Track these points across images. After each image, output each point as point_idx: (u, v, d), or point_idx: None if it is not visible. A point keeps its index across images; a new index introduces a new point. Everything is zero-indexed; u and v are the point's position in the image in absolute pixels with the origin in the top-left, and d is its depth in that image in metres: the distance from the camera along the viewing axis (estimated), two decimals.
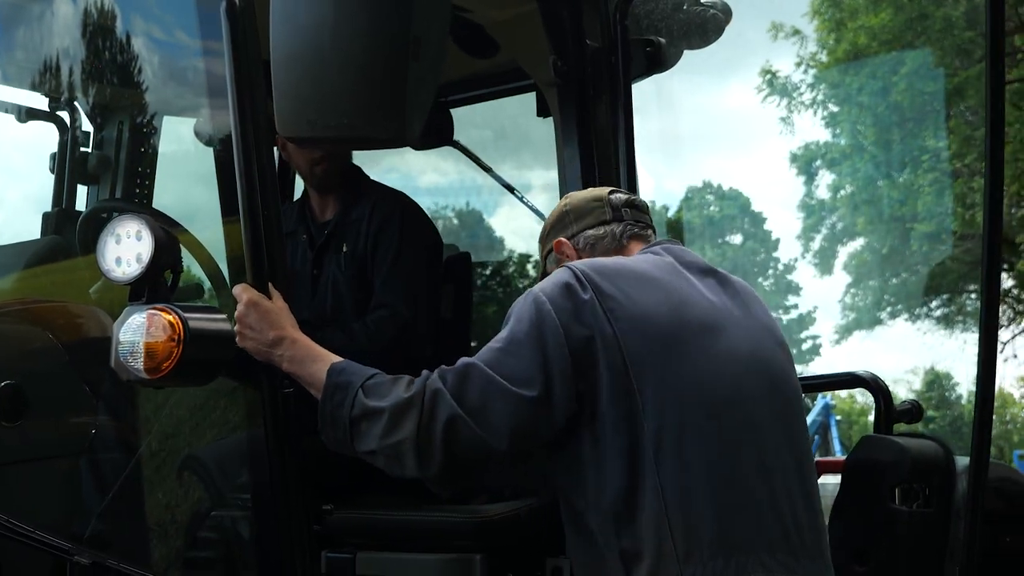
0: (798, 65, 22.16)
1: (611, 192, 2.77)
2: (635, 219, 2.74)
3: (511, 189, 4.28)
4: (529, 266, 26.31)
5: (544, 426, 2.36)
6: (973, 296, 42.02)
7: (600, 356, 2.32)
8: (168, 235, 2.30)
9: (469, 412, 2.32)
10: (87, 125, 4.23)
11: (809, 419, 19.56)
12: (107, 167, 4.21)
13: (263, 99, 2.42)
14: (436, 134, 4.26)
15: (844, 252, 31.64)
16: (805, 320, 40.80)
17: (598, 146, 3.41)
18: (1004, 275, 33.10)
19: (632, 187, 3.37)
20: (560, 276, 2.43)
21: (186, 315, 2.24)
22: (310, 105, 2.13)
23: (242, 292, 2.46)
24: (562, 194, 3.52)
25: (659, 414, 2.30)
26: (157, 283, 2.31)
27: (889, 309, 41.06)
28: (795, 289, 36.51)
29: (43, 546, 2.58)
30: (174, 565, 2.84)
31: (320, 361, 2.46)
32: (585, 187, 3.39)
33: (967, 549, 2.94)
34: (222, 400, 2.90)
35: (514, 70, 4.01)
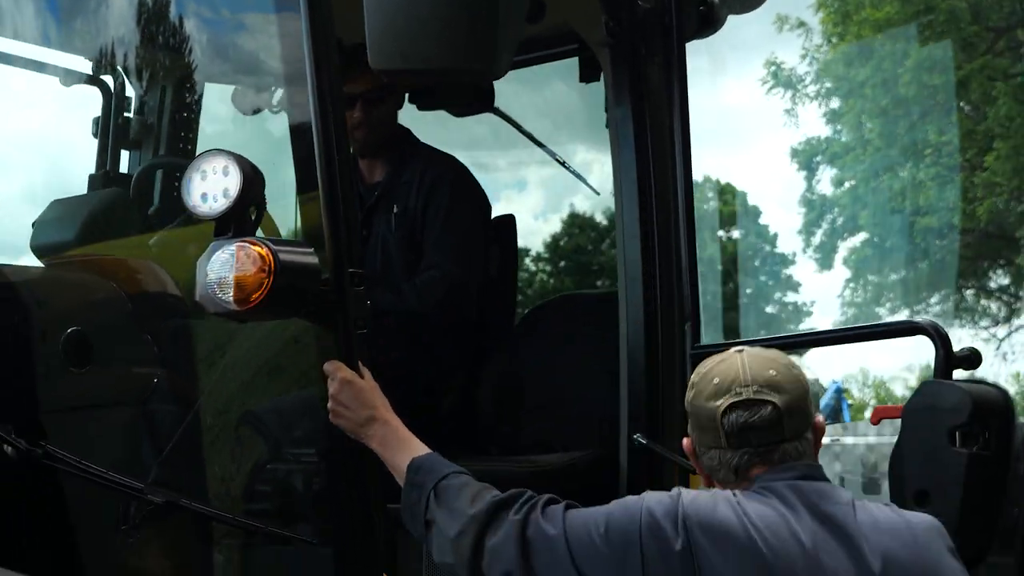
0: (803, 57, 22.22)
1: (728, 408, 2.26)
2: (757, 443, 2.26)
3: (552, 155, 4.31)
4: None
5: None
6: (972, 292, 42.11)
7: None
8: (255, 170, 2.34)
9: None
10: (130, 90, 4.25)
11: (822, 403, 19.55)
12: (150, 133, 4.23)
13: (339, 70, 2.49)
14: (476, 101, 4.28)
15: (844, 247, 31.69)
16: (802, 314, 40.85)
17: (651, 107, 3.43)
18: (1000, 271, 33.25)
19: (686, 149, 3.40)
20: (665, 504, 2.21)
21: (276, 248, 2.27)
22: (403, 38, 2.17)
23: (335, 370, 2.51)
24: (613, 160, 3.56)
25: None
26: (243, 218, 2.34)
27: (888, 305, 41.16)
28: (794, 285, 36.50)
29: (116, 485, 2.61)
30: (239, 514, 2.87)
31: (405, 450, 2.50)
32: (638, 147, 3.41)
33: None
34: (288, 352, 2.94)
35: (557, 35, 4.03)
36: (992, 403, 3.02)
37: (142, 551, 2.81)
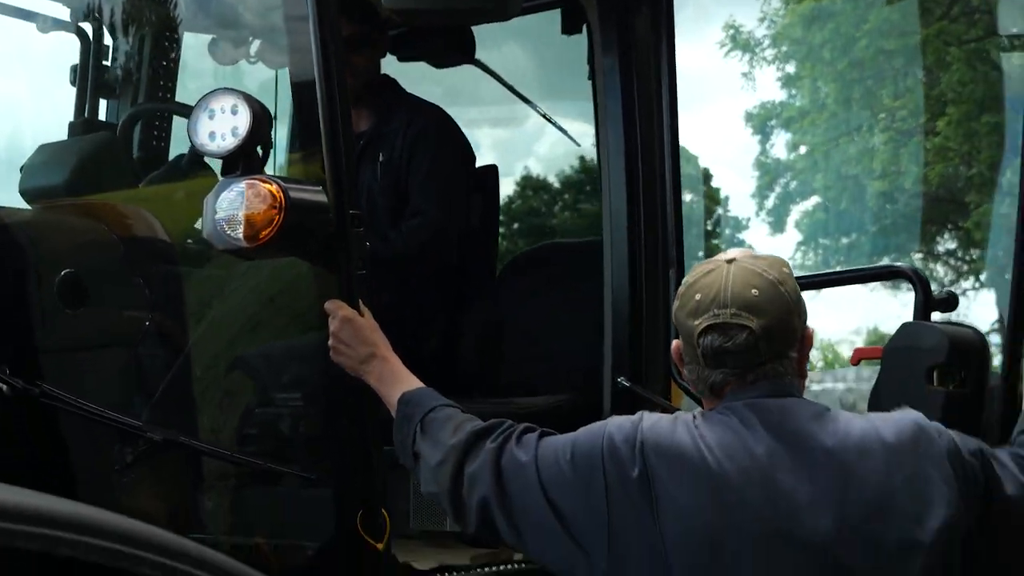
0: (761, 20, 22.28)
1: (705, 330, 2.20)
2: (733, 365, 2.22)
3: (533, 106, 4.34)
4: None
5: (576, 568, 2.24)
6: (920, 256, 42.45)
7: (641, 548, 2.14)
8: (264, 109, 2.37)
9: (504, 505, 2.28)
10: (109, 38, 4.24)
11: None
12: (128, 81, 4.22)
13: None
14: (457, 52, 4.30)
15: (797, 211, 31.90)
16: None
17: (638, 57, 3.47)
18: (949, 235, 33.60)
19: (672, 100, 3.44)
20: (625, 430, 2.23)
21: (286, 185, 2.30)
22: None
23: (337, 309, 2.53)
24: (598, 111, 3.60)
25: None
26: (252, 156, 2.37)
27: (838, 268, 41.53)
28: (746, 248, 36.71)
29: (115, 424, 2.64)
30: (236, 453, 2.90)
31: (400, 386, 2.53)
32: (624, 97, 3.44)
33: (1001, 428, 3.09)
34: (284, 294, 2.97)
35: None
36: (969, 344, 3.12)
37: (137, 491, 2.84)
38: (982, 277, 28.67)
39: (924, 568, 2.09)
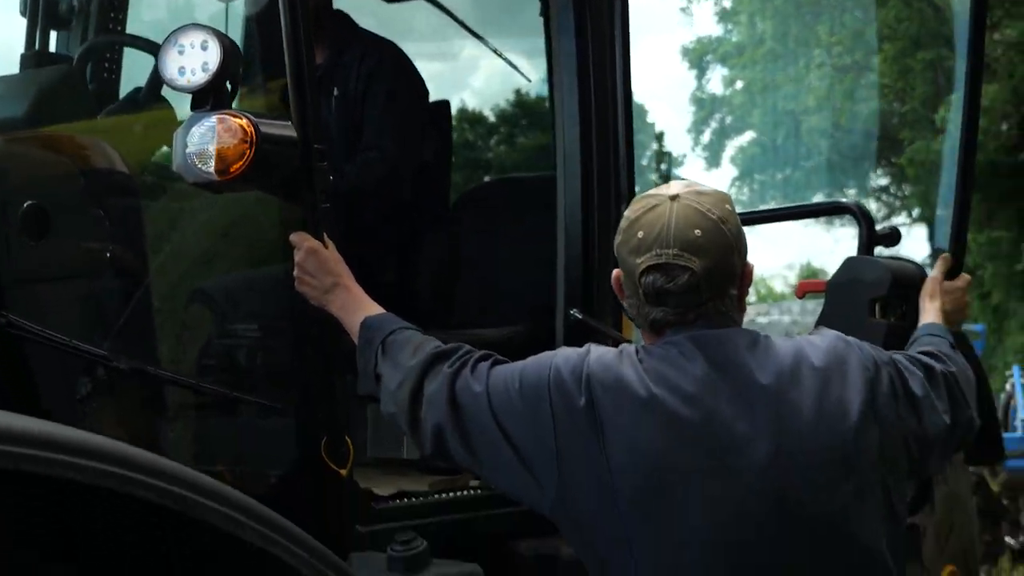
0: None
1: (647, 270, 2.22)
2: (674, 305, 2.24)
3: (485, 42, 4.38)
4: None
5: (529, 494, 2.33)
6: (853, 191, 42.80)
7: (588, 476, 2.20)
8: (233, 45, 2.40)
9: (459, 431, 2.34)
10: None
11: None
12: (79, 13, 4.19)
13: None
14: None
15: (732, 146, 32.12)
16: None
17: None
18: (882, 171, 33.91)
19: (625, 34, 3.49)
20: (572, 362, 2.27)
21: (256, 120, 2.35)
22: None
23: (302, 240, 2.59)
24: (551, 45, 3.64)
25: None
26: (221, 91, 2.40)
27: (773, 203, 41.93)
28: (688, 181, 36.91)
29: (81, 353, 2.68)
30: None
31: (362, 312, 2.59)
32: (578, 32, 3.47)
33: None
34: (245, 227, 3.01)
35: None
36: (910, 277, 3.23)
37: (102, 420, 2.88)
38: (914, 213, 29.03)
39: (857, 488, 2.16)
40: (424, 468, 3.35)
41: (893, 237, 3.41)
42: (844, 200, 3.55)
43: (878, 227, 3.50)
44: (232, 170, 2.34)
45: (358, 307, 2.60)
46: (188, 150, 2.36)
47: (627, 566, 2.17)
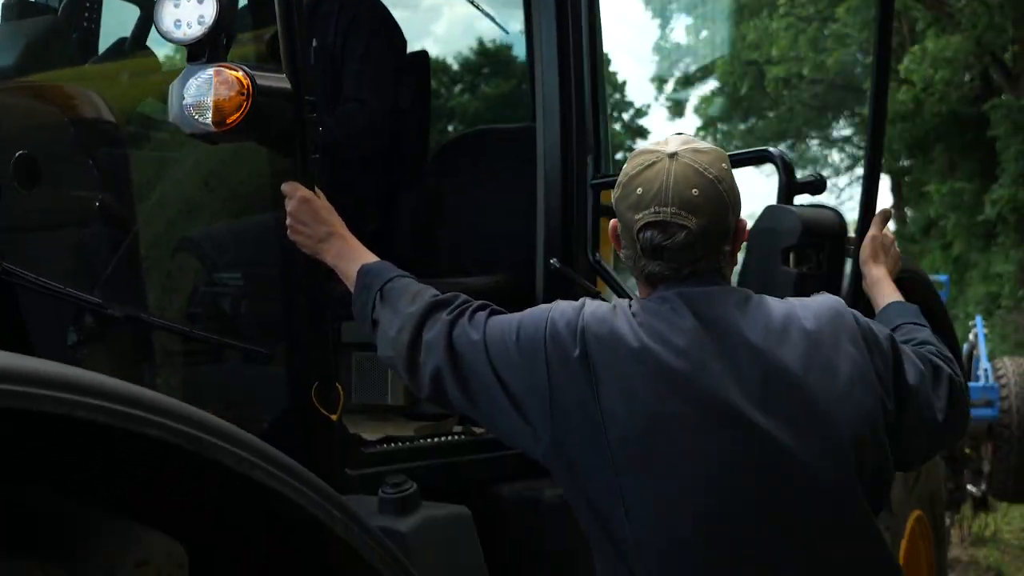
0: None
1: (645, 226, 2.30)
2: (669, 260, 2.31)
3: None
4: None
5: (523, 440, 2.39)
6: (816, 141, 42.90)
7: (582, 426, 2.26)
8: None
9: (457, 377, 2.41)
10: None
11: None
12: None
13: None
14: None
15: (695, 96, 32.15)
16: None
17: None
18: (845, 122, 34.02)
19: None
20: (568, 316, 2.34)
21: (252, 72, 2.39)
22: None
23: (294, 190, 2.64)
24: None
25: (642, 529, 2.23)
26: (217, 44, 2.44)
27: (735, 152, 42.04)
28: (644, 132, 36.89)
29: (75, 300, 2.72)
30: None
31: (357, 260, 2.66)
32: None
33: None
34: (233, 177, 3.06)
35: None
36: (824, 225, 3.26)
37: (94, 367, 2.92)
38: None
39: (836, 449, 2.24)
40: (409, 414, 3.43)
41: (817, 185, 3.40)
42: (768, 148, 3.53)
43: (812, 174, 3.51)
44: (228, 121, 2.40)
45: (353, 255, 2.66)
46: (185, 102, 2.41)
47: (618, 515, 2.23)
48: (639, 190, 2.29)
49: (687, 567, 2.20)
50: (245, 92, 2.38)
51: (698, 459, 2.19)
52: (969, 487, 9.70)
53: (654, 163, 2.30)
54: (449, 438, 3.26)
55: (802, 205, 3.46)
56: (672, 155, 2.28)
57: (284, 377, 2.88)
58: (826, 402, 2.23)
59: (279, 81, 2.48)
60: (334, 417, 2.74)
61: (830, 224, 3.32)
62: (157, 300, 3.07)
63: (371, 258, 2.67)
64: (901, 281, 4.68)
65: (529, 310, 2.44)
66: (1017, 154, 23.66)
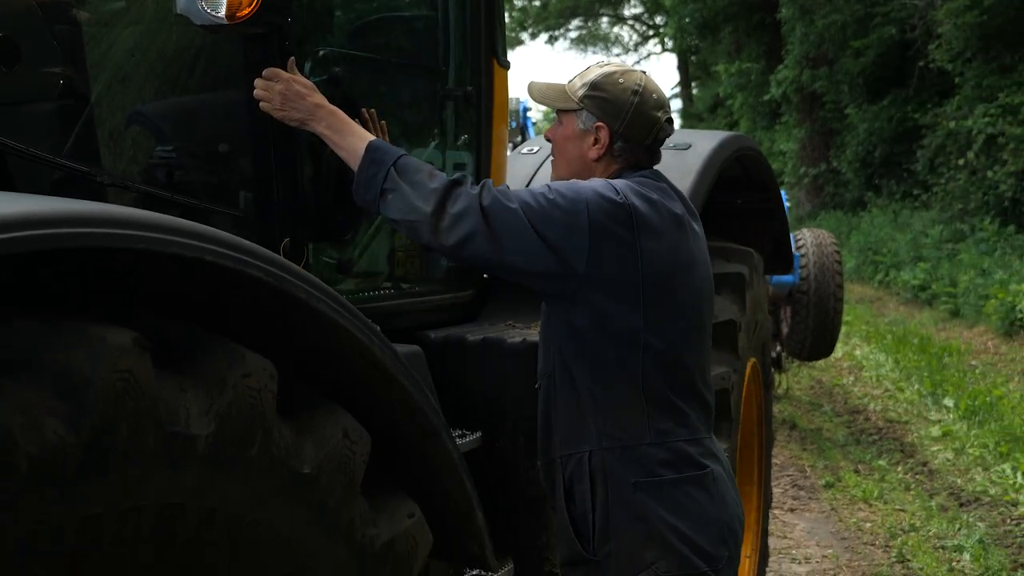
0: None
1: (666, 121, 3.11)
2: (659, 148, 3.16)
3: None
4: None
5: (552, 286, 2.96)
6: (606, 22, 43.63)
7: (620, 266, 2.89)
8: None
9: (491, 235, 2.82)
10: None
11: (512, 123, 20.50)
12: None
13: None
14: None
15: None
16: None
17: None
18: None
19: None
20: (608, 189, 2.91)
21: None
22: None
23: (277, 73, 2.99)
24: None
25: (654, 340, 2.94)
26: None
27: (530, 29, 42.53)
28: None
29: (64, 167, 3.02)
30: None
31: (356, 135, 3.02)
32: None
33: None
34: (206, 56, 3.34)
35: None
36: None
37: None
38: None
39: (709, 298, 3.19)
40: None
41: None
42: None
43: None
44: (239, 15, 2.74)
45: (346, 128, 3.03)
46: None
47: (635, 327, 2.92)
48: (655, 95, 3.09)
49: (677, 360, 3.00)
50: None
51: (691, 298, 3.04)
52: None
53: (643, 73, 3.15)
54: (380, 292, 3.69)
55: None
56: (638, 71, 3.18)
57: (257, 236, 3.20)
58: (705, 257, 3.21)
59: None
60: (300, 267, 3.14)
61: None
62: (122, 167, 3.37)
63: (363, 131, 3.05)
64: (741, 159, 5.30)
65: (557, 184, 2.97)
66: (802, 36, 24.85)
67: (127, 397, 1.84)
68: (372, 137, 3.04)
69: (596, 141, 3.07)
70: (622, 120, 3.04)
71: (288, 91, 2.99)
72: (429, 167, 2.98)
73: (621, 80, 3.07)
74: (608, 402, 2.95)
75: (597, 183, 2.95)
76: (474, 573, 3.10)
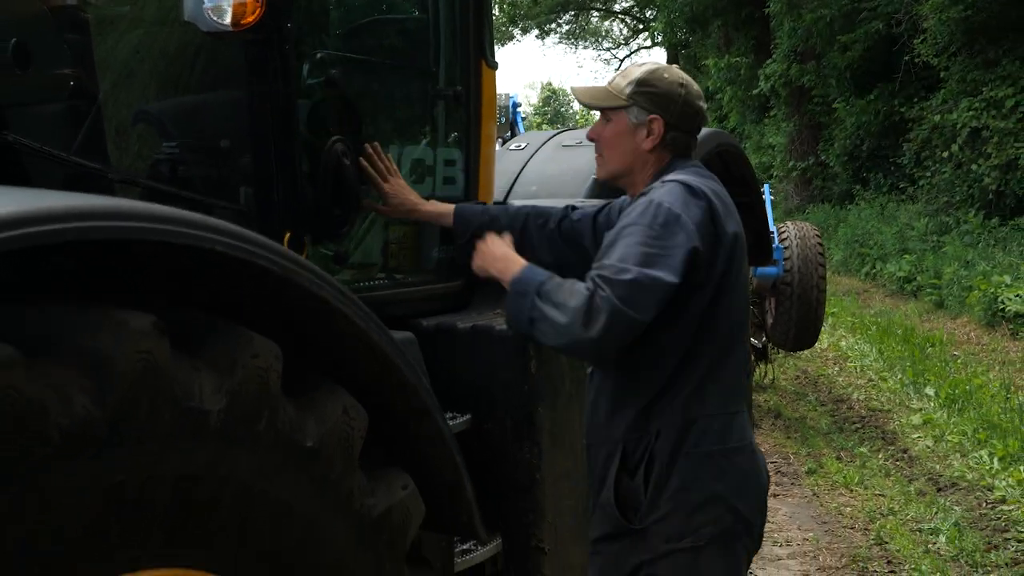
0: None
1: (705, 110, 3.36)
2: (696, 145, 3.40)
3: None
4: None
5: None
6: (596, 17, 43.77)
7: (710, 251, 3.06)
8: None
9: (638, 314, 2.90)
10: None
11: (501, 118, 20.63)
12: None
13: None
14: None
15: None
16: None
17: None
18: None
19: None
20: (686, 196, 3.07)
21: None
22: None
23: (484, 242, 3.39)
24: None
25: (722, 322, 3.13)
26: None
27: (521, 24, 42.67)
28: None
29: (77, 165, 3.19)
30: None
31: (511, 270, 3.20)
32: None
33: None
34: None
35: None
36: None
37: None
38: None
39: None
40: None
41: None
42: None
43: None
44: (243, 23, 2.92)
45: (511, 269, 3.22)
46: (205, 4, 2.91)
47: (702, 334, 3.11)
48: (695, 87, 3.31)
49: (735, 338, 3.18)
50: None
51: (744, 271, 3.21)
52: (751, 340, 10.75)
53: (675, 68, 3.34)
54: (374, 281, 3.88)
55: None
56: (675, 67, 3.38)
57: (257, 232, 3.39)
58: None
59: None
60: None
61: None
62: (129, 164, 3.54)
63: (520, 264, 3.22)
64: (722, 154, 5.51)
65: (635, 225, 3.03)
66: (790, 30, 25.03)
67: (147, 376, 2.04)
68: (517, 269, 3.19)
69: (649, 133, 3.24)
70: (674, 111, 3.24)
71: (491, 247, 3.37)
72: (563, 281, 3.04)
73: (666, 75, 3.27)
74: (668, 383, 3.10)
75: (664, 197, 3.07)
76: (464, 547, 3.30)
